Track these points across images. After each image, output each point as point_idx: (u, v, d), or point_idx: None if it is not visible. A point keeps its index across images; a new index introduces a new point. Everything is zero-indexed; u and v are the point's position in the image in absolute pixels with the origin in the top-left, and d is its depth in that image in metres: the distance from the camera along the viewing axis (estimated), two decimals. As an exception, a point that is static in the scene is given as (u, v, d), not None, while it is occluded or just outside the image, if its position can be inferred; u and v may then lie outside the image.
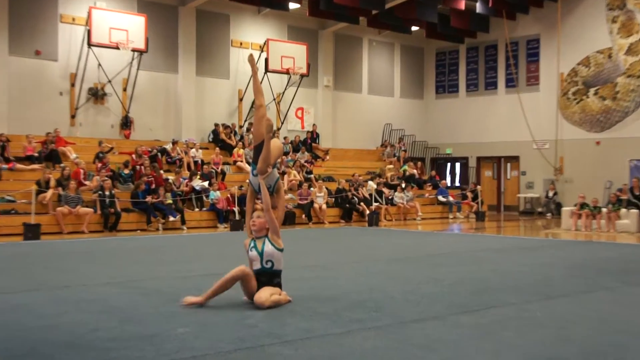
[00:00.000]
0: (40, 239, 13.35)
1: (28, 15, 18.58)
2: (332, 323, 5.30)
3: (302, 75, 22.74)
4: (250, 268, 6.06)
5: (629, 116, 21.76)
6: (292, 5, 21.84)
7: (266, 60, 21.92)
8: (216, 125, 21.73)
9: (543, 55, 24.62)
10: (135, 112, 20.48)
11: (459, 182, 27.34)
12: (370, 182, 21.25)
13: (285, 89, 23.37)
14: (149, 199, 16.17)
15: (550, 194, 23.51)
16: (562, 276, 8.24)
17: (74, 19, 19.21)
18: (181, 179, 17.73)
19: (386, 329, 5.12)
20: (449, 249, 11.82)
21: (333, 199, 19.81)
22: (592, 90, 22.45)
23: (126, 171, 17.40)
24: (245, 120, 22.67)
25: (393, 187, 21.68)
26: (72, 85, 19.31)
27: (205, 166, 19.05)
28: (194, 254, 11.14)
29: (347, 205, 19.78)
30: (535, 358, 4.41)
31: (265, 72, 21.84)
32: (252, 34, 22.99)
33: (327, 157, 23.87)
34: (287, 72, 22.46)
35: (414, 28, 25.30)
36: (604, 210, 16.85)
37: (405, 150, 25.77)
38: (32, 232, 13.33)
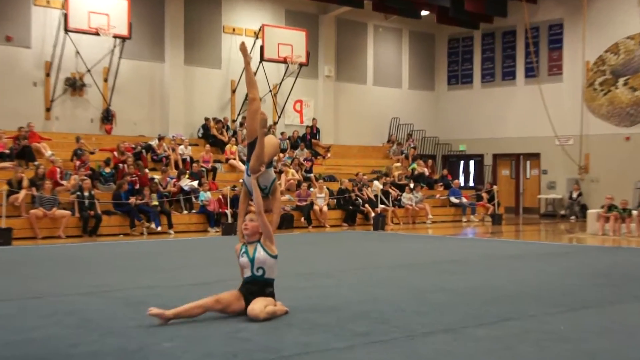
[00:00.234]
0: (12, 244, 13.34)
1: (-2, -2, 18.65)
2: (333, 336, 5.31)
3: (300, 65, 22.76)
4: (241, 276, 6.10)
5: (661, 109, 21.84)
6: (290, -13, 21.92)
7: (261, 48, 21.94)
8: (206, 119, 21.76)
9: (567, 41, 24.62)
10: (117, 105, 20.50)
11: (474, 181, 27.40)
12: (375, 182, 21.28)
13: (283, 80, 23.40)
14: (132, 200, 16.19)
15: (575, 194, 23.53)
16: (587, 285, 8.25)
17: (48, 2, 19.21)
18: (168, 179, 17.76)
19: (393, 343, 5.13)
20: (462, 255, 11.84)
21: (335, 201, 19.84)
22: (621, 81, 22.47)
23: (107, 170, 17.41)
24: (239, 114, 22.70)
25: (401, 188, 21.71)
26: (47, 75, 19.33)
27: (194, 164, 19.08)
28: (182, 260, 11.14)
29: (351, 207, 19.80)
30: (557, 375, 4.43)
31: (261, 61, 21.87)
32: (245, 19, 23.01)
33: (329, 155, 23.89)
34: (284, 61, 22.48)
35: (424, 12, 25.30)
36: (634, 212, 16.83)
37: (414, 147, 25.79)
38: (3, 237, 13.34)
